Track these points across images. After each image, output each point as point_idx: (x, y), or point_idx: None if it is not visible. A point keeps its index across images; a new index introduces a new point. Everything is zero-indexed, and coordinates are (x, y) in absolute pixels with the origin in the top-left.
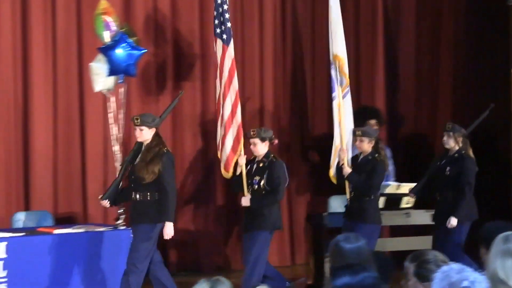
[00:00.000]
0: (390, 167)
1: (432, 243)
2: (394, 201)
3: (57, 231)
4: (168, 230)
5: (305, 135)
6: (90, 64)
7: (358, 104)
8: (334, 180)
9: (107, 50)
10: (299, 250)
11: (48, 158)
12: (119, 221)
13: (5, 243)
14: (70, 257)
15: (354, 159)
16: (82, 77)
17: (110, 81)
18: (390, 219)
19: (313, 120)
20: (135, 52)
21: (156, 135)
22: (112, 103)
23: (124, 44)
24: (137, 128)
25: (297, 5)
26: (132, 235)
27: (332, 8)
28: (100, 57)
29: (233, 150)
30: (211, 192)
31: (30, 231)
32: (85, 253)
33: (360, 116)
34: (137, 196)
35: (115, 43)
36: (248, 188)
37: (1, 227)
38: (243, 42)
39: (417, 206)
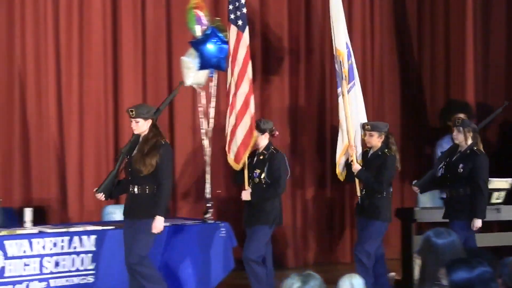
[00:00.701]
0: None
1: None
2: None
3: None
4: (158, 224)
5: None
6: (182, 58)
7: (447, 98)
8: (341, 178)
9: (198, 44)
10: (388, 245)
11: None
12: (207, 215)
13: (94, 236)
14: (158, 250)
15: (364, 154)
16: (172, 71)
17: (201, 75)
18: None
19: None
20: (226, 47)
21: (154, 127)
22: (202, 97)
23: (215, 39)
24: (133, 121)
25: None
26: (130, 230)
27: (333, 3)
28: (191, 51)
29: (245, 142)
30: (299, 186)
31: (120, 224)
32: (173, 246)
33: (448, 110)
34: (135, 189)
35: (206, 37)
36: (248, 181)
37: (92, 220)
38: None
39: (508, 201)
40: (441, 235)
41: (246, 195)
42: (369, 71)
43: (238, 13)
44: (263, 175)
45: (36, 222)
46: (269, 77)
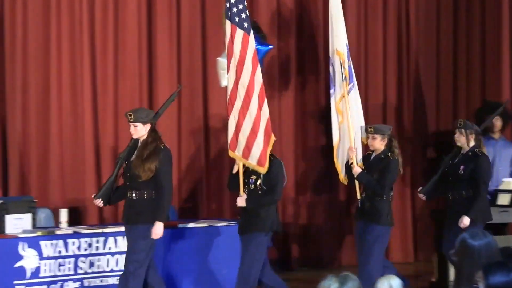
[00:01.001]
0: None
1: (442, 245)
2: None
3: (181, 225)
4: (157, 230)
5: (427, 130)
6: (217, 58)
7: (482, 99)
8: (344, 181)
9: None
10: (422, 247)
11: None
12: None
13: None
14: (193, 251)
15: (366, 157)
16: (206, 72)
17: None
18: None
19: (438, 113)
20: (262, 48)
21: (153, 131)
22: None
23: (256, 40)
24: (131, 125)
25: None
26: (128, 236)
27: (333, 4)
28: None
29: (266, 145)
30: (334, 187)
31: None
32: (210, 247)
33: (483, 112)
34: (133, 194)
35: None
36: (244, 187)
37: None
38: (366, 38)
39: None
40: (477, 236)
41: (241, 201)
42: (405, 72)
43: (243, 15)
44: (259, 182)
45: (71, 222)
46: (305, 79)
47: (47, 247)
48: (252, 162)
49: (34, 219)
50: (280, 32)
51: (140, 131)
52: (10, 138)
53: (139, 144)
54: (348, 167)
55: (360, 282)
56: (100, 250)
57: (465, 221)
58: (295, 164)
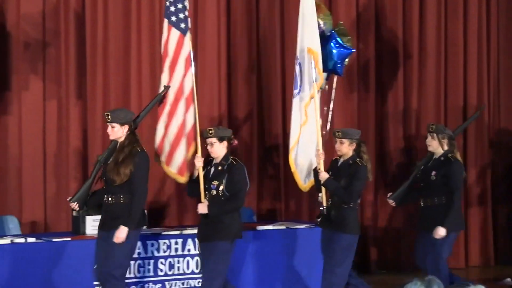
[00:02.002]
0: None
1: (415, 253)
2: None
3: (260, 227)
4: (119, 234)
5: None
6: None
7: None
8: (305, 189)
9: None
10: (473, 252)
11: (251, 157)
12: (320, 218)
13: None
14: (270, 253)
15: (334, 163)
16: (285, 75)
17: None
18: None
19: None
20: (344, 51)
21: (131, 133)
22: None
23: (332, 43)
24: (109, 125)
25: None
26: (105, 242)
27: (305, 3)
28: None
29: (186, 152)
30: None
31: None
32: (287, 249)
33: None
34: (109, 199)
35: (326, 41)
36: (205, 193)
37: None
38: (446, 38)
39: None
40: None
41: (202, 208)
42: (485, 72)
43: (181, 15)
44: (221, 187)
45: (151, 224)
46: (383, 82)
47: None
48: (173, 170)
49: None
50: (359, 35)
51: (117, 132)
52: (90, 137)
53: (117, 146)
54: (316, 172)
55: (443, 286)
56: (179, 252)
57: (441, 232)
58: (376, 166)
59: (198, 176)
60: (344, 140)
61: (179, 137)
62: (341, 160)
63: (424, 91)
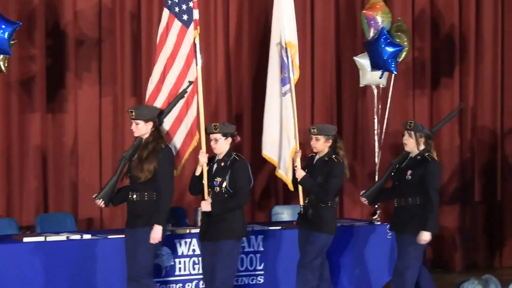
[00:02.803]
0: None
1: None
2: None
3: None
4: (155, 234)
5: None
6: (354, 58)
7: None
8: (291, 186)
9: (369, 45)
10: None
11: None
12: (375, 216)
13: (262, 236)
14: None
15: (309, 160)
16: (340, 73)
17: (375, 76)
18: None
19: None
20: (395, 49)
21: (155, 130)
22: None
23: (383, 39)
24: (133, 122)
25: None
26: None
27: None
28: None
29: (184, 145)
30: (467, 188)
31: (288, 224)
32: (341, 247)
33: None
34: (134, 196)
35: (377, 38)
36: (208, 191)
37: (260, 220)
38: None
39: None
40: None
41: (206, 205)
42: None
43: (184, 6)
44: (224, 184)
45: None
46: (439, 79)
47: (181, 245)
48: None
49: None
50: (415, 32)
51: (141, 129)
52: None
53: (142, 143)
54: (293, 170)
55: (500, 284)
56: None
57: (425, 236)
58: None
59: (201, 173)
60: (319, 136)
61: (174, 130)
62: (317, 157)
63: (481, 89)
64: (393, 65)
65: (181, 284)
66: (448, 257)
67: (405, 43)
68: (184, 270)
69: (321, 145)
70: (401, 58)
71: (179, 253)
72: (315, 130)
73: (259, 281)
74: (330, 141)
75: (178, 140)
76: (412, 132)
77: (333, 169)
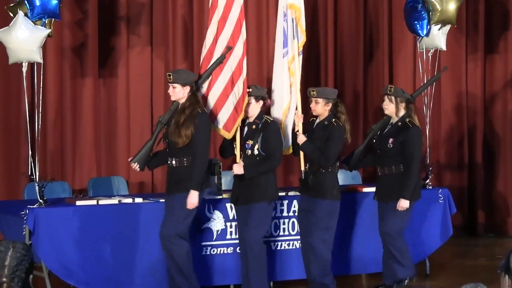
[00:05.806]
0: None
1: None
2: None
3: (366, 189)
4: (192, 200)
5: None
6: None
7: None
8: (288, 152)
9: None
10: None
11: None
12: (427, 181)
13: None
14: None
15: (310, 124)
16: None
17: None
18: None
19: None
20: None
21: (192, 95)
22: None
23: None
24: (170, 86)
25: None
26: (168, 205)
27: None
28: None
29: (237, 108)
30: None
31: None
32: None
33: None
34: (173, 161)
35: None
36: (240, 154)
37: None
38: None
39: None
40: None
41: (238, 168)
42: None
43: None
44: (256, 147)
45: None
46: (492, 44)
47: (232, 209)
48: (218, 126)
49: (220, 183)
50: None
51: (178, 93)
52: None
53: (179, 108)
54: (294, 135)
55: None
56: (285, 214)
57: (403, 204)
58: (484, 132)
59: (233, 136)
60: (319, 99)
61: (227, 93)
62: (317, 121)
63: None
64: (419, 28)
65: (232, 248)
66: (501, 222)
67: (437, 7)
68: (236, 234)
69: (320, 108)
70: (434, 21)
71: (230, 217)
72: (314, 92)
73: (296, 246)
74: (330, 104)
75: (230, 103)
76: (393, 97)
77: (332, 133)
